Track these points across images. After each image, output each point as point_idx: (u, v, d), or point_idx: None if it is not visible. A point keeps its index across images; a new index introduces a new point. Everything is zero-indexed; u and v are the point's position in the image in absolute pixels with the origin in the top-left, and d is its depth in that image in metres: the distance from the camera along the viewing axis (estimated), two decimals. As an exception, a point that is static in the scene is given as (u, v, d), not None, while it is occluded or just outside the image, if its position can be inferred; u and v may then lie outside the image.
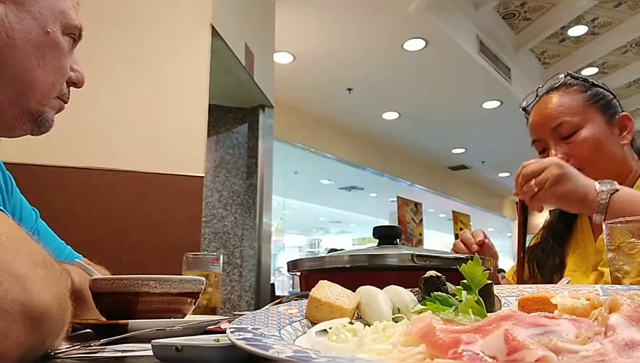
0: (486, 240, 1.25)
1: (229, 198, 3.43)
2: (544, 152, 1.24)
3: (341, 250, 1.10)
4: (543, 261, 1.28)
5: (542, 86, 1.27)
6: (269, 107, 3.51)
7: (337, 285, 0.53)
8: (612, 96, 1.22)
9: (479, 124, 6.77)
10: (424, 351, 0.33)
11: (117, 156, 2.12)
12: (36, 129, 0.81)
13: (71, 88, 0.85)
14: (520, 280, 1.26)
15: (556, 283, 1.13)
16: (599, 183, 0.96)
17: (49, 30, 0.76)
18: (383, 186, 8.50)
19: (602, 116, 1.18)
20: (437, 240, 12.07)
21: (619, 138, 1.19)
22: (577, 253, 1.24)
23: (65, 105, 0.85)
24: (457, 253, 1.23)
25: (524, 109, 1.31)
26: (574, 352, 0.30)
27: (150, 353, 0.46)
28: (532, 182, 1.01)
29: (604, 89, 1.23)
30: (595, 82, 1.23)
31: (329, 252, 1.27)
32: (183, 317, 0.74)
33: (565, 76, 1.24)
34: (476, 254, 1.17)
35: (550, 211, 1.38)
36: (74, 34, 0.81)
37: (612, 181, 0.96)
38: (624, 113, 1.20)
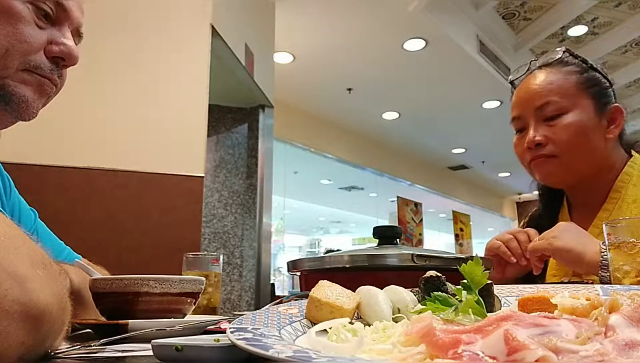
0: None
1: (229, 198, 3.43)
2: (521, 131, 1.15)
3: (337, 250, 1.09)
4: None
5: (537, 59, 1.17)
6: (268, 107, 3.52)
7: (337, 285, 0.53)
8: (608, 85, 1.13)
9: (479, 124, 6.77)
10: (424, 351, 0.33)
11: (117, 156, 2.12)
12: (8, 108, 0.73)
13: (71, 78, 0.81)
14: None
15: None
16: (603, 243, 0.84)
17: None
18: (383, 186, 8.50)
19: (593, 103, 1.09)
20: (437, 240, 12.07)
21: (605, 130, 1.10)
22: None
23: (55, 84, 0.78)
24: (492, 256, 1.08)
25: (511, 82, 1.21)
26: (574, 352, 0.30)
27: (150, 353, 0.46)
28: (536, 237, 0.98)
29: (602, 75, 1.13)
30: (595, 66, 1.14)
31: (326, 253, 1.25)
32: (183, 317, 0.74)
33: (564, 52, 1.15)
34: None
35: (538, 205, 1.28)
36: (42, 0, 0.74)
37: None
38: (616, 105, 1.11)
